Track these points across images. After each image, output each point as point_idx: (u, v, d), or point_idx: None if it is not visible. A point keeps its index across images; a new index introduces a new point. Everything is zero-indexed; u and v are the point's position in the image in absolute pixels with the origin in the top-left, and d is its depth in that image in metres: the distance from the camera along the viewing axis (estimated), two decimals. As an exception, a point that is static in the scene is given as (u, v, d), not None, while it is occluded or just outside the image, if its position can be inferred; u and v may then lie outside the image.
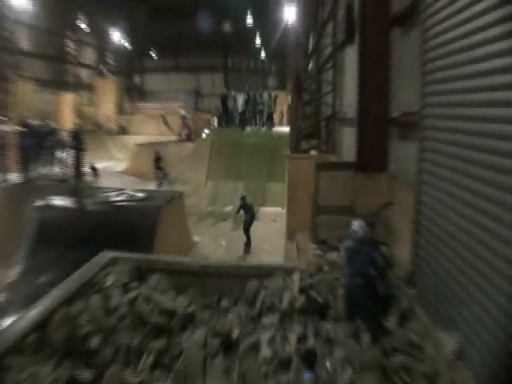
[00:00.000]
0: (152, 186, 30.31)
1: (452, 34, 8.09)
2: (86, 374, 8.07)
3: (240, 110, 37.03)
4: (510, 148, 6.00)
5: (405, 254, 10.23)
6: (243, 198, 17.78)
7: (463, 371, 6.95)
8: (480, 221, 6.87)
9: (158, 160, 34.82)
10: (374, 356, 8.06)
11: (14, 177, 23.66)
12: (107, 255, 12.16)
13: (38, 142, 24.51)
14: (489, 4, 6.60)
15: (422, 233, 9.54)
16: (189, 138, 44.86)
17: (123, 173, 36.23)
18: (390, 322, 8.92)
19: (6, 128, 25.07)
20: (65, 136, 26.78)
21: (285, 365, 8.51)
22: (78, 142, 25.72)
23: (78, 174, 25.96)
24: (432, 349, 7.93)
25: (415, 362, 7.81)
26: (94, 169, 30.20)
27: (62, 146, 25.79)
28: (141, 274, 11.61)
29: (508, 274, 6.05)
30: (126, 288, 10.90)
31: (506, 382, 5.93)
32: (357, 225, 9.31)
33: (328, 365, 8.25)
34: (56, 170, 25.49)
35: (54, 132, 25.40)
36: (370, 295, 8.87)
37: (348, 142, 19.31)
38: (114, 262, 11.84)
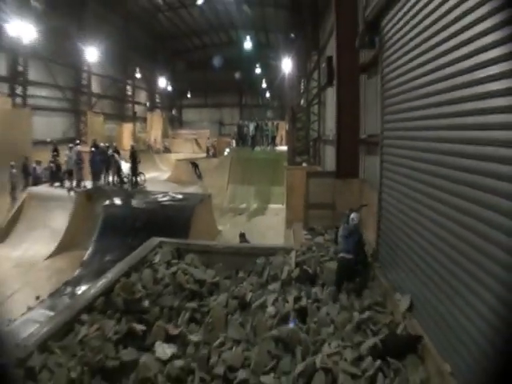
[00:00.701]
0: (188, 189, 30.24)
1: (399, 80, 8.51)
2: (140, 327, 8.03)
3: (251, 134, 37.22)
4: (433, 159, 6.61)
5: (371, 238, 10.30)
6: (242, 235, 17.34)
7: (412, 320, 7.02)
8: (421, 209, 7.19)
9: (195, 166, 35.18)
10: (348, 313, 8.06)
11: (88, 184, 23.69)
12: (155, 240, 12.20)
13: (104, 159, 24.65)
14: (422, 60, 7.05)
15: (382, 221, 9.70)
16: (214, 155, 44.94)
17: (167, 180, 36.10)
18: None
19: (83, 149, 25.00)
20: (123, 154, 26.86)
21: (284, 319, 8.55)
22: (133, 158, 25.72)
23: (134, 181, 25.93)
24: (391, 305, 8.04)
25: (379, 315, 7.86)
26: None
27: (120, 161, 25.85)
28: (180, 253, 11.65)
29: (437, 244, 6.39)
30: (169, 264, 10.95)
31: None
32: (353, 215, 9.43)
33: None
34: (117, 179, 25.49)
35: (116, 151, 25.42)
36: (354, 268, 9.20)
37: (329, 156, 19.54)
38: (160, 245, 11.89)
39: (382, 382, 5.97)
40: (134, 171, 25.63)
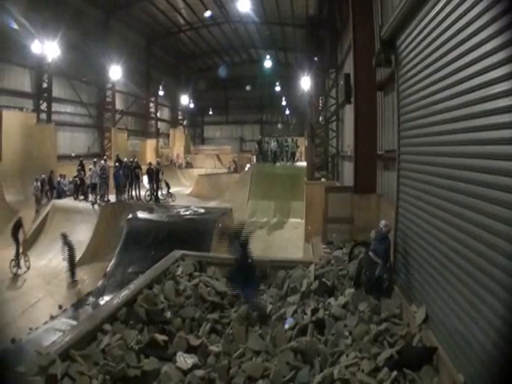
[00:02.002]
0: (210, 204, 30.31)
1: (415, 97, 8.53)
2: (162, 337, 8.06)
3: (272, 150, 37.29)
4: (449, 173, 6.62)
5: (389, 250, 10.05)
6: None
7: (428, 332, 7.00)
8: (436, 223, 7.20)
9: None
10: (366, 325, 8.01)
11: (112, 198, 23.96)
12: (178, 253, 12.28)
13: (128, 174, 24.84)
14: (437, 77, 7.07)
15: (398, 235, 9.66)
16: (235, 171, 45.05)
17: (189, 195, 36.22)
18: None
19: (108, 164, 25.25)
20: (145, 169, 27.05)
21: (303, 330, 8.60)
22: (156, 174, 25.88)
23: (156, 196, 26.07)
24: (407, 317, 8.02)
25: (396, 327, 7.84)
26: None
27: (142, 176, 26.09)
28: (202, 266, 11.74)
29: (452, 257, 6.36)
30: (191, 276, 11.05)
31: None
32: (383, 222, 9.61)
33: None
34: (141, 193, 25.70)
35: (138, 167, 25.60)
36: (374, 270, 9.25)
37: (347, 172, 19.60)
38: (182, 257, 11.96)
39: (397, 393, 5.92)
40: (155, 187, 25.67)
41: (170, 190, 27.79)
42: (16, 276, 18.47)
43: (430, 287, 7.26)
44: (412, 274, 8.43)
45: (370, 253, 9.53)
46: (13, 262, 18.74)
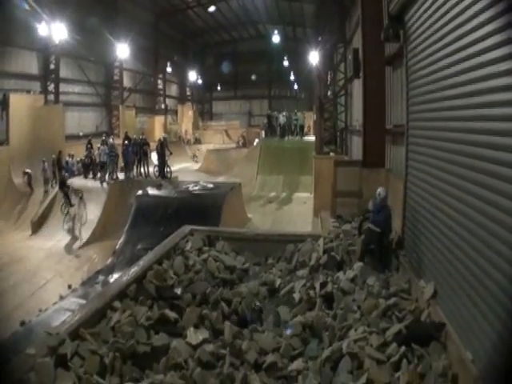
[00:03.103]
0: (218, 179, 30.21)
1: (424, 72, 8.42)
2: (172, 314, 8.03)
3: (281, 124, 37.24)
4: (457, 149, 6.54)
5: (397, 225, 10.10)
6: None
7: (436, 307, 6.92)
8: (444, 199, 7.10)
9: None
10: (375, 299, 7.93)
11: (121, 176, 23.90)
12: (187, 228, 12.19)
13: (137, 151, 24.57)
14: (446, 52, 6.95)
15: (407, 209, 9.59)
16: (244, 145, 44.98)
17: (198, 171, 36.21)
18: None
19: (116, 142, 25.16)
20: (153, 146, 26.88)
21: (312, 304, 8.62)
22: (162, 149, 25.67)
23: (163, 172, 25.82)
24: (415, 292, 7.94)
25: (404, 302, 7.77)
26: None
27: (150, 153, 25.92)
28: (211, 241, 11.64)
29: (460, 233, 6.30)
30: (200, 251, 10.94)
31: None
32: (380, 190, 9.50)
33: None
34: (149, 169, 25.56)
35: (147, 143, 25.43)
36: (379, 242, 9.26)
37: (356, 146, 19.43)
38: (191, 232, 11.85)
39: (406, 368, 5.88)
40: (163, 163, 25.64)
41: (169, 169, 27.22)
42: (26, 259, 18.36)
43: (439, 263, 7.17)
44: (421, 249, 8.34)
45: (370, 225, 9.48)
46: None
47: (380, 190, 9.53)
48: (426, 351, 6.12)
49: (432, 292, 7.15)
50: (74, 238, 20.09)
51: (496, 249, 5.12)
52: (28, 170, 24.81)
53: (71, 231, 20.64)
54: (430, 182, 7.98)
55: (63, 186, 21.51)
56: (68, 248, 19.24)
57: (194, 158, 43.81)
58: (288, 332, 7.15)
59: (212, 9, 40.56)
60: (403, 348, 6.20)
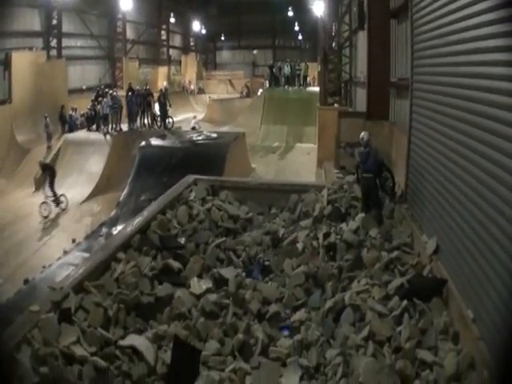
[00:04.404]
0: (222, 129, 29.99)
1: (430, 26, 8.21)
2: (176, 264, 7.99)
3: (285, 75, 36.78)
4: (461, 105, 6.41)
5: (401, 180, 9.99)
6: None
7: (438, 263, 6.84)
8: (447, 154, 7.01)
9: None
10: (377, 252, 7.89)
11: (124, 127, 23.67)
12: (191, 178, 12.03)
13: (140, 102, 24.34)
14: (451, 8, 6.75)
15: (410, 164, 9.46)
16: (248, 95, 44.62)
17: (201, 120, 35.87)
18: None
19: (119, 93, 24.83)
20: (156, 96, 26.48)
21: (316, 254, 8.59)
22: (164, 99, 25.37)
23: (165, 122, 25.45)
24: (418, 247, 7.85)
25: (407, 256, 7.68)
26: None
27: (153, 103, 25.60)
28: (214, 190, 11.49)
29: (462, 189, 6.22)
30: (204, 200, 10.81)
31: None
32: (363, 134, 9.55)
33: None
34: (152, 120, 25.35)
35: (150, 94, 25.15)
36: (376, 186, 9.32)
37: (360, 98, 19.18)
38: (195, 182, 11.70)
39: (407, 322, 5.86)
40: (164, 113, 25.32)
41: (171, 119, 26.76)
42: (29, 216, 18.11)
43: (442, 218, 7.07)
44: (423, 203, 8.26)
45: (364, 174, 9.47)
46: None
47: (363, 133, 9.59)
48: (427, 307, 6.07)
49: (434, 247, 7.06)
50: (78, 192, 19.85)
51: (497, 206, 5.04)
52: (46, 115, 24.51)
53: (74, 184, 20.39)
54: (434, 137, 7.84)
55: (47, 169, 19.24)
56: (71, 202, 19.01)
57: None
58: (285, 333, 6.81)
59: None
60: (405, 302, 6.15)
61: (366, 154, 9.36)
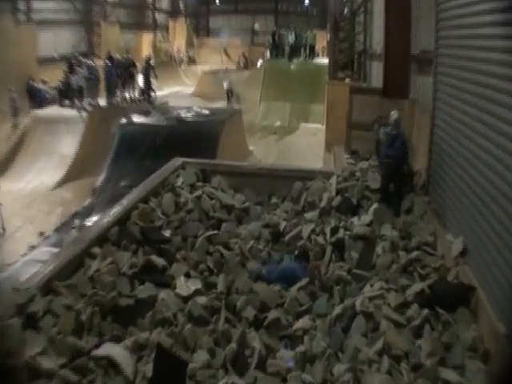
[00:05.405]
0: (215, 105, 29.95)
1: None
2: (160, 261, 7.91)
3: (290, 44, 36.60)
4: (492, 83, 6.29)
5: (422, 167, 9.92)
6: None
7: (465, 267, 6.75)
8: (478, 140, 6.84)
9: None
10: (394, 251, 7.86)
11: (101, 102, 23.50)
12: (178, 160, 12.02)
13: (120, 73, 24.21)
14: None
15: (434, 150, 9.35)
16: (246, 67, 44.62)
17: (192, 95, 35.88)
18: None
19: (97, 63, 24.72)
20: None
21: (321, 252, 8.57)
22: (148, 70, 25.40)
23: (149, 96, 25.56)
24: (441, 247, 7.76)
25: (428, 257, 7.59)
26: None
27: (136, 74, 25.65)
28: (205, 175, 11.45)
29: (496, 183, 6.06)
30: (193, 187, 10.80)
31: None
32: (394, 112, 9.43)
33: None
34: (134, 94, 25.34)
35: (133, 64, 25.18)
36: (399, 175, 9.27)
37: (376, 72, 18.88)
38: (183, 166, 11.69)
39: (428, 335, 5.78)
40: (148, 86, 25.32)
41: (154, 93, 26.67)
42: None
43: (469, 215, 6.96)
44: (449, 196, 8.17)
45: (387, 160, 9.39)
46: None
47: (393, 112, 9.47)
48: (452, 317, 5.98)
49: (461, 248, 6.96)
50: (47, 178, 19.66)
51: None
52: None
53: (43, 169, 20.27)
54: (462, 120, 7.71)
55: None
56: (40, 189, 18.89)
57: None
58: (290, 364, 6.35)
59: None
60: (426, 311, 6.06)
61: (393, 136, 9.28)
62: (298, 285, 7.59)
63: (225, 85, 31.26)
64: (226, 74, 39.93)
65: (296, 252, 8.80)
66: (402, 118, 9.45)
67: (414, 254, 7.59)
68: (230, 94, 32.94)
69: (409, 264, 7.42)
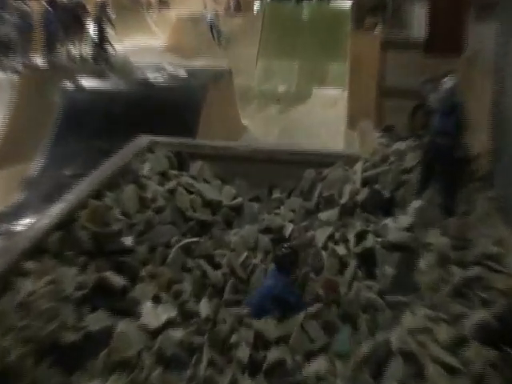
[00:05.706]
0: (196, 63, 30.03)
1: None
2: (117, 279, 7.87)
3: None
4: None
5: (482, 150, 9.83)
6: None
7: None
8: None
9: None
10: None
11: (39, 60, 23.61)
12: (144, 140, 11.93)
13: (65, 20, 24.24)
14: None
15: (499, 126, 9.23)
16: (238, 10, 44.69)
17: (164, 50, 35.97)
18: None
19: (33, 7, 24.81)
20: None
21: (341, 266, 8.53)
22: (102, 15, 25.58)
23: (103, 50, 25.56)
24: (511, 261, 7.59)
25: (493, 275, 7.40)
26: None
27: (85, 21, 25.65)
28: (182, 160, 11.44)
29: None
30: (164, 177, 10.79)
31: None
32: (449, 77, 9.19)
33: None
34: (84, 48, 25.46)
35: (82, 8, 25.23)
36: (452, 158, 8.92)
37: (417, 18, 18.94)
38: (151, 147, 11.60)
39: (495, 385, 5.72)
40: (103, 35, 25.46)
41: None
42: None
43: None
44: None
45: (434, 138, 9.19)
46: None
47: (448, 77, 9.22)
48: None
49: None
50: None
51: None
52: None
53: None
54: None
55: None
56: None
57: None
58: None
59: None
60: (491, 351, 5.91)
61: (449, 107, 9.02)
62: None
63: (208, 17, 31.16)
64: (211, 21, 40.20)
65: (279, 253, 8.19)
66: (458, 84, 9.17)
67: (474, 270, 7.48)
68: (214, 32, 33.16)
69: (465, 284, 7.29)
